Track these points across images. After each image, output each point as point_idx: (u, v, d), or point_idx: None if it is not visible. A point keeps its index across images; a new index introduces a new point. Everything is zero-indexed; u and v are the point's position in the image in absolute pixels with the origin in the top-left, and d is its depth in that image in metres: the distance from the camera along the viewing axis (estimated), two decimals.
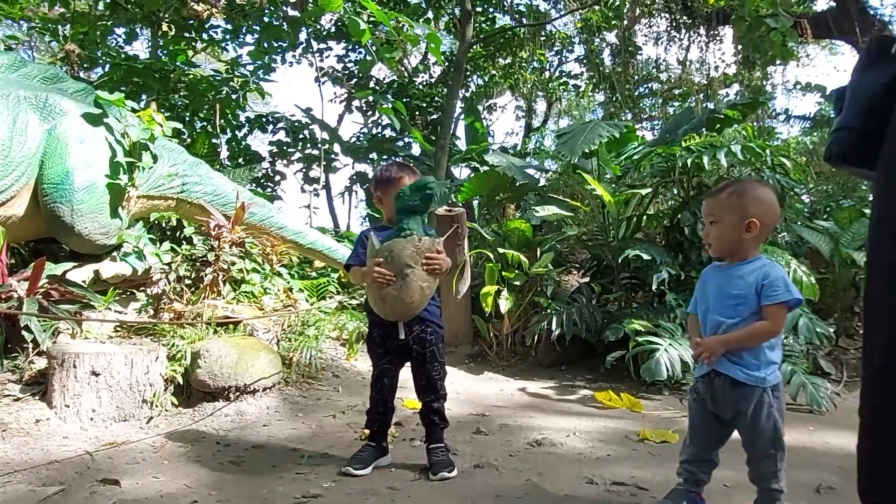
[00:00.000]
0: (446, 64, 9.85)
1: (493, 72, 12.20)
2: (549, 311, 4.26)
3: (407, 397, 3.52)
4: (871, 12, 8.48)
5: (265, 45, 7.95)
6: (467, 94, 11.94)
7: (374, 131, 10.30)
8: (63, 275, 3.17)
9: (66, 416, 2.57)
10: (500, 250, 4.65)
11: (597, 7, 9.90)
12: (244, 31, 8.36)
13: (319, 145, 9.86)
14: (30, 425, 2.47)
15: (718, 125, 5.12)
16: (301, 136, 10.02)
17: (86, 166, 3.33)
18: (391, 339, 2.29)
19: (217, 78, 7.40)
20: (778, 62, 8.62)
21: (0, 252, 3.02)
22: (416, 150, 10.18)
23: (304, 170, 10.09)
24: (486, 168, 6.42)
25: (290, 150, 10.07)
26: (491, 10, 10.46)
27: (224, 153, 8.74)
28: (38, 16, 7.03)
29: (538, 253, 4.76)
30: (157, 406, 2.80)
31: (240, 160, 9.45)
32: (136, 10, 6.96)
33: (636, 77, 12.23)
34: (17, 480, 2.08)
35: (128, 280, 3.55)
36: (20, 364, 2.83)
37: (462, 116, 11.37)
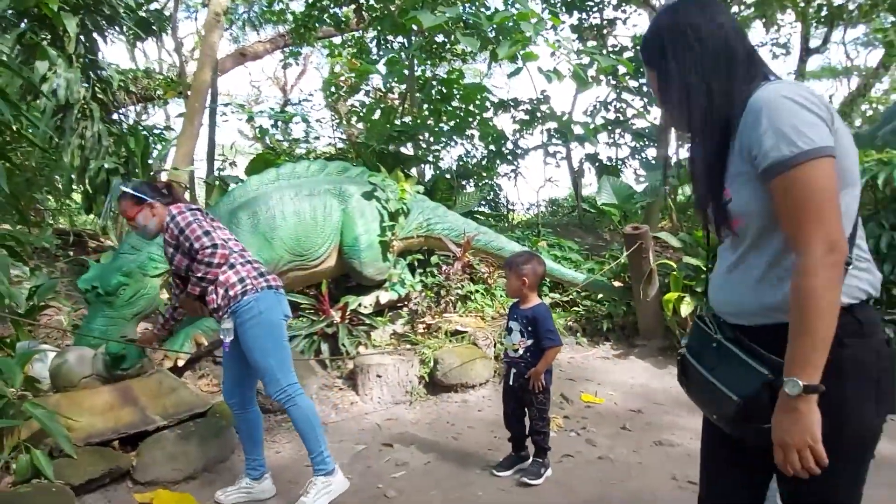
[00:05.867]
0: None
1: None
2: None
3: (586, 391, 4.68)
4: None
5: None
6: None
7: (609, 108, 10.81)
8: (357, 307, 5.01)
9: (366, 400, 4.36)
10: (685, 259, 5.31)
11: None
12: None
13: (552, 123, 10.89)
14: (347, 405, 4.31)
15: None
16: (539, 114, 11.12)
17: (366, 232, 5.06)
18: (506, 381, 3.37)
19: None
20: None
21: (324, 296, 4.96)
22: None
23: (543, 144, 11.24)
24: None
25: (532, 125, 11.29)
26: None
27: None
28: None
29: None
30: (415, 395, 4.44)
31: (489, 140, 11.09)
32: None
33: None
34: (343, 440, 3.86)
35: (396, 302, 5.30)
36: (340, 366, 4.72)
37: None
